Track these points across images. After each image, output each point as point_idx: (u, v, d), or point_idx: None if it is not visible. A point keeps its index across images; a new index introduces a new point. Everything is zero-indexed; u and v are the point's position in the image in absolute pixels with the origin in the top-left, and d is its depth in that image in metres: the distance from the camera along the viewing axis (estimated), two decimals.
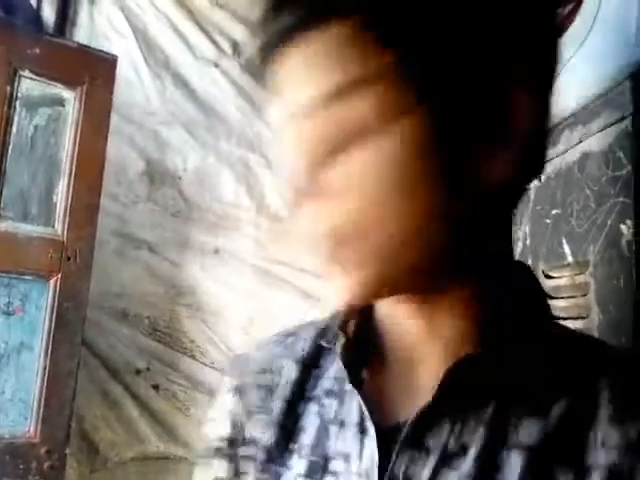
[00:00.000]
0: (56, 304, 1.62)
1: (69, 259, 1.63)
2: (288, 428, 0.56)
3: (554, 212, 0.97)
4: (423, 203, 0.45)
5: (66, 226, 1.64)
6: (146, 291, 2.06)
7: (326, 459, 0.52)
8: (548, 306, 0.54)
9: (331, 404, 0.55)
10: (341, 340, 0.54)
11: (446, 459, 0.47)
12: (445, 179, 0.45)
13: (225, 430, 0.60)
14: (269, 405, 0.58)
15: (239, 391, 0.60)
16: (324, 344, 0.58)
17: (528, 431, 0.46)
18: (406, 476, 0.47)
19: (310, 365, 0.58)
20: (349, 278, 0.47)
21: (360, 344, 0.54)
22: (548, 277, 0.97)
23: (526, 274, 0.54)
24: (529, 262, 1.02)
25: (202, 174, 2.16)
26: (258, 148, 2.20)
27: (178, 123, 2.13)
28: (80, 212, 1.65)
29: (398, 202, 0.44)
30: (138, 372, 2.01)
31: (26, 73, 1.57)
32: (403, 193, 0.44)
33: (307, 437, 0.55)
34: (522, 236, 1.06)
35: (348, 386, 0.53)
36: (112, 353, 2.00)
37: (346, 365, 0.53)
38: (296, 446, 0.55)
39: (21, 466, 1.57)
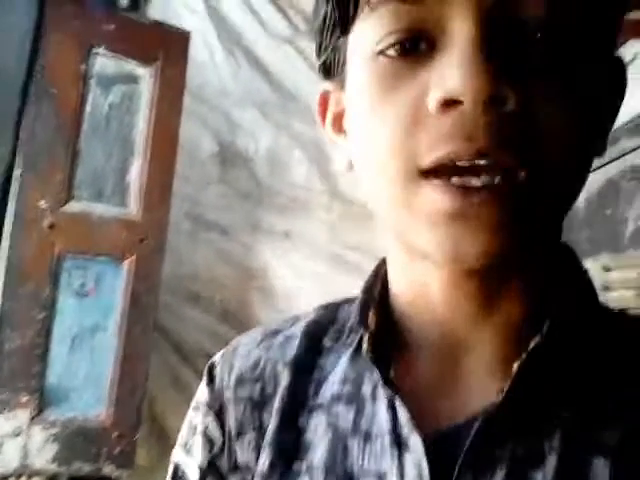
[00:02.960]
0: (130, 286, 1.60)
1: (142, 241, 1.60)
2: (288, 446, 0.46)
3: None
4: (582, 164, 0.41)
5: (140, 207, 1.61)
6: (218, 274, 2.02)
7: None
8: (596, 293, 0.47)
9: (345, 412, 0.46)
10: (365, 335, 0.45)
11: (518, 470, 0.39)
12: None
13: (203, 458, 0.50)
14: (259, 421, 0.48)
15: (218, 408, 0.50)
16: (327, 343, 0.49)
17: (610, 431, 0.39)
18: None
19: (307, 367, 0.49)
20: (489, 234, 0.37)
21: (382, 340, 0.45)
22: None
23: (573, 257, 0.47)
24: None
25: (274, 156, 2.11)
26: None
27: (251, 103, 2.08)
28: (154, 192, 1.62)
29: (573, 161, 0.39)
30: (209, 356, 1.98)
31: (101, 50, 1.54)
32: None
33: (318, 454, 0.45)
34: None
35: (366, 389, 0.45)
36: (184, 337, 1.98)
37: (375, 364, 0.44)
38: (303, 466, 0.45)
39: (93, 450, 1.55)
